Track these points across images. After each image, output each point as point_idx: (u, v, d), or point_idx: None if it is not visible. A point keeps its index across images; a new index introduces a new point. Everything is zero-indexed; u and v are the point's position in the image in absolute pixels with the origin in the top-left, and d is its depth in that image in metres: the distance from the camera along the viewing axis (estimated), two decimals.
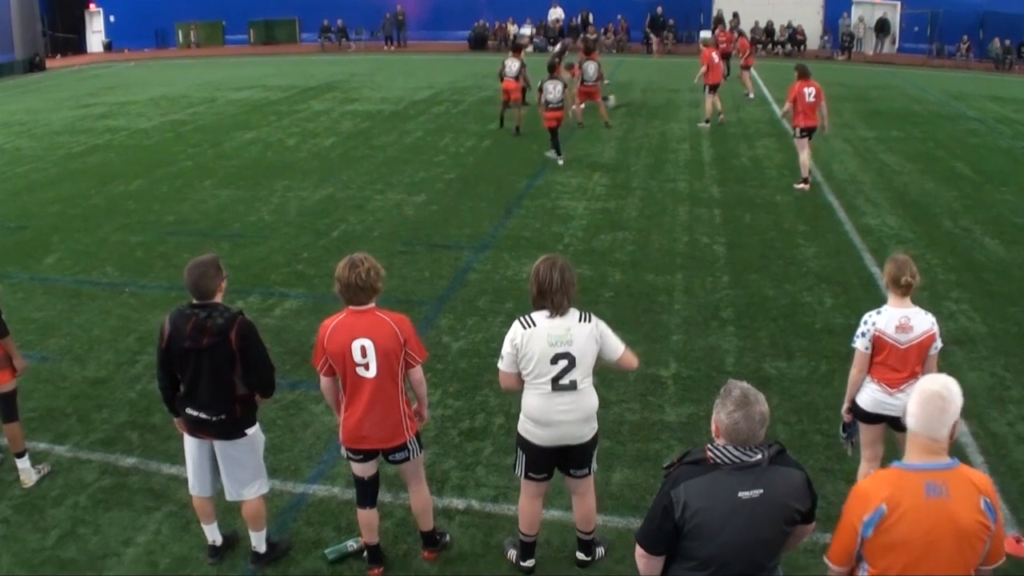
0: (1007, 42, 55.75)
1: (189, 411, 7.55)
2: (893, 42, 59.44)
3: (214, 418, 7.49)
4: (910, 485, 5.08)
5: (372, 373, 7.38)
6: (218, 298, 7.50)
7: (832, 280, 15.53)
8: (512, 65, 26.56)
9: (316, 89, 38.15)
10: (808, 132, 21.53)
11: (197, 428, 7.61)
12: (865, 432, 8.64)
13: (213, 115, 31.50)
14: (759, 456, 5.23)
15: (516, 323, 7.41)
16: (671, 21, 58.18)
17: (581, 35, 48.38)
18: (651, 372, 11.69)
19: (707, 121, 30.01)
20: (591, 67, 28.71)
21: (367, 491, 7.91)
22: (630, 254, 16.59)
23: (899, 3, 59.18)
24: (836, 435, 10.32)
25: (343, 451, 7.83)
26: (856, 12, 59.60)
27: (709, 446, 5.29)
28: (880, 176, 23.36)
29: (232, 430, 7.58)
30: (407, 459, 7.76)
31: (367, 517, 7.96)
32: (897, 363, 8.24)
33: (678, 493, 5.20)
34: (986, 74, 52.22)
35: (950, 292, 15.03)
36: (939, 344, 8.33)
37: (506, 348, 7.41)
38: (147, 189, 21.19)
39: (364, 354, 7.33)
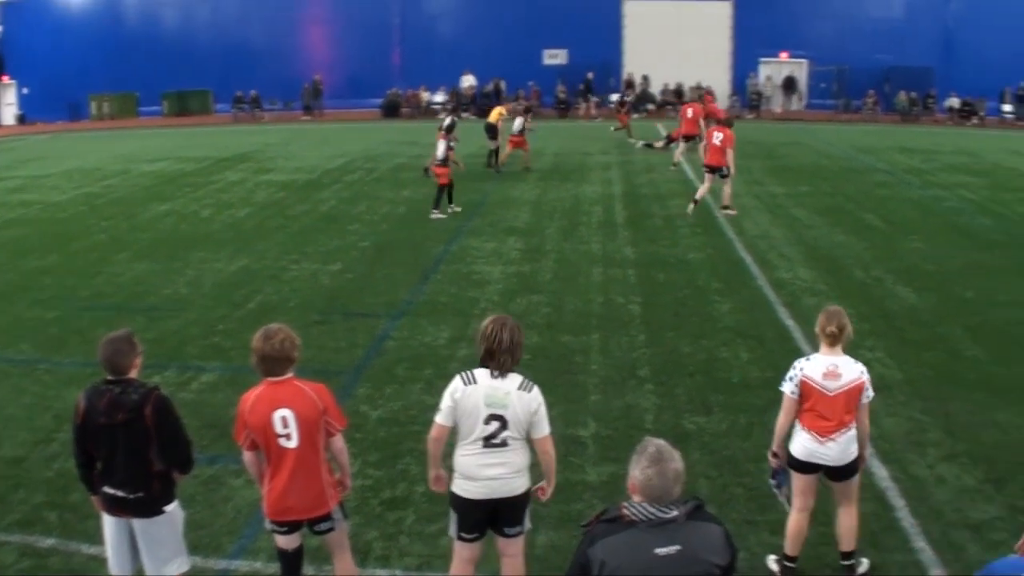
0: (912, 94, 57.23)
1: (106, 489, 7.46)
2: (801, 99, 60.69)
3: (132, 496, 7.40)
4: None
5: (294, 443, 7.37)
6: (133, 374, 7.43)
7: (748, 335, 15.74)
8: (440, 146, 26.44)
9: (230, 160, 37.99)
10: (710, 169, 25.79)
11: (115, 506, 7.51)
12: (797, 481, 8.72)
13: (127, 187, 31.26)
14: (675, 512, 5.23)
15: (457, 377, 7.48)
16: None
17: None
18: (570, 432, 11.74)
19: (674, 166, 34.64)
20: (517, 121, 34.06)
21: (291, 565, 7.88)
22: (546, 316, 16.70)
23: (806, 61, 60.48)
24: (758, 487, 10.49)
25: (267, 524, 7.80)
26: (764, 71, 60.81)
27: (625, 504, 5.31)
28: (791, 231, 23.76)
29: (150, 508, 7.49)
30: (332, 529, 7.75)
31: None
32: (825, 411, 8.35)
33: (595, 551, 5.22)
34: (893, 126, 53.48)
35: (864, 341, 15.25)
36: (870, 393, 8.48)
37: (446, 402, 7.46)
38: (62, 263, 20.95)
39: (285, 425, 7.33)
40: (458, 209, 26.15)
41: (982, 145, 44.49)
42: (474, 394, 7.38)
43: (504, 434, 7.45)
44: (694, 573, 5.24)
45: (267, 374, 7.44)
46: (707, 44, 59.81)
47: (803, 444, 8.50)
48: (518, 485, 7.62)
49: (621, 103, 47.13)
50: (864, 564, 8.85)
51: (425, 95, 59.54)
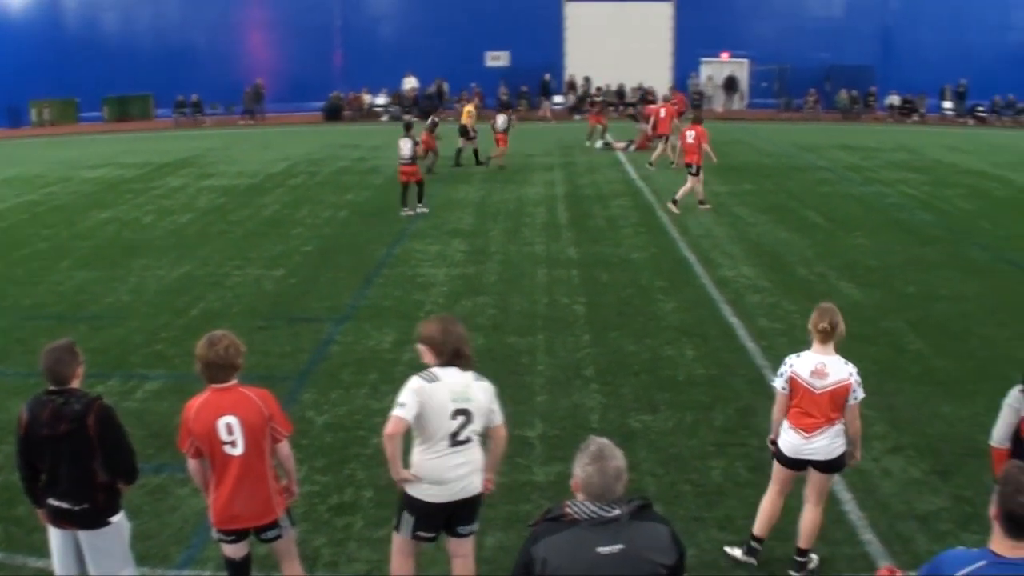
0: (853, 92, 57.72)
1: (51, 501, 7.39)
2: (742, 98, 60.95)
3: (76, 508, 7.34)
4: None
5: (239, 450, 7.33)
6: (75, 383, 7.37)
7: (692, 333, 15.84)
8: (405, 145, 26.75)
9: (172, 165, 37.67)
10: (688, 167, 26.65)
11: (60, 519, 7.45)
12: (777, 470, 8.87)
13: (68, 195, 30.91)
14: (617, 511, 5.20)
15: (416, 378, 7.44)
16: (524, 88, 58.87)
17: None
18: (517, 433, 11.72)
19: (651, 164, 35.22)
20: (501, 118, 36.44)
21: (239, 574, 7.85)
22: (491, 318, 16.72)
23: (747, 60, 60.78)
24: (705, 484, 10.67)
25: (214, 533, 7.75)
26: (705, 71, 61.11)
27: (569, 502, 5.28)
28: (734, 229, 23.93)
29: (96, 519, 7.42)
30: (279, 536, 7.72)
31: None
32: (811, 408, 8.47)
33: (538, 550, 5.20)
34: (835, 124, 53.94)
35: (808, 336, 15.37)
36: (859, 395, 8.57)
37: (409, 398, 7.35)
38: (2, 272, 20.65)
39: (230, 431, 7.29)
40: (425, 210, 26.51)
41: (922, 142, 44.99)
42: (440, 391, 7.37)
43: (469, 429, 7.47)
44: (638, 573, 5.22)
45: (211, 381, 7.40)
46: (649, 45, 59.94)
47: (790, 441, 8.63)
48: (477, 483, 7.67)
49: (591, 103, 47.67)
50: (814, 560, 8.94)
51: (367, 98, 59.32)
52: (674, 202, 26.08)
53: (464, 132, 35.92)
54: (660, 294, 18.08)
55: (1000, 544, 5.14)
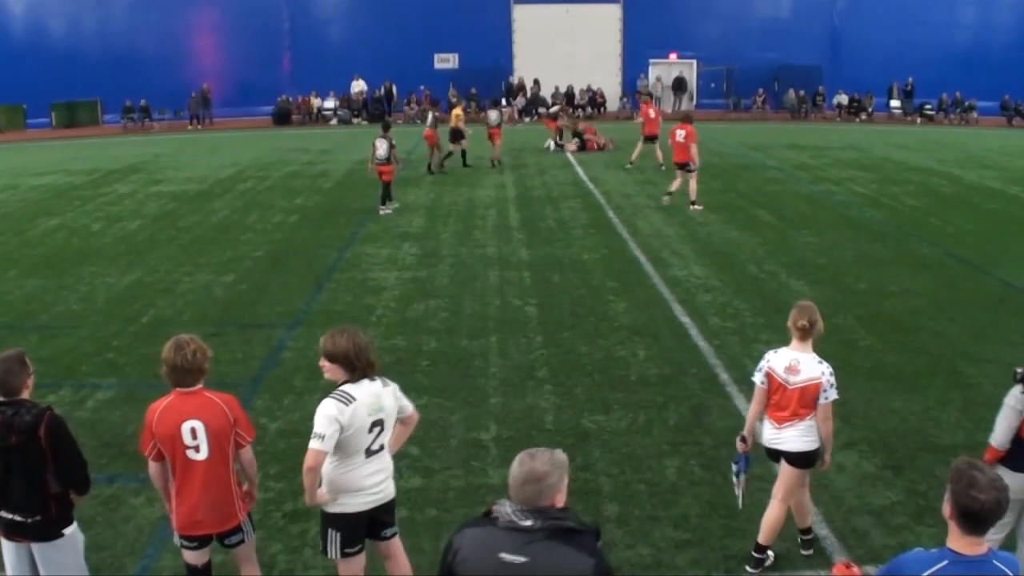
0: (801, 92, 58.16)
1: (3, 514, 7.32)
2: (691, 99, 61.15)
3: (29, 520, 7.28)
4: None
5: (203, 455, 7.34)
6: (25, 394, 7.30)
7: (644, 332, 15.91)
8: (382, 145, 27.18)
9: (120, 171, 37.29)
10: (679, 165, 27.19)
11: (12, 531, 7.39)
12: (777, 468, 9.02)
13: (15, 202, 30.55)
14: (530, 522, 5.01)
15: (332, 402, 7.29)
16: (473, 91, 58.84)
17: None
18: (472, 436, 11.79)
19: (631, 163, 35.47)
20: (493, 114, 38.01)
21: None
22: (444, 321, 16.70)
23: (695, 61, 61.08)
24: (659, 483, 10.69)
25: (176, 539, 7.73)
26: (653, 72, 61.25)
27: (500, 500, 5.18)
28: (684, 228, 24.05)
29: (49, 531, 7.37)
30: (242, 541, 7.73)
31: None
32: (782, 401, 8.61)
33: (458, 538, 5.19)
34: (783, 124, 54.35)
35: (760, 335, 15.53)
36: (830, 395, 8.61)
37: (328, 428, 7.21)
38: None
39: (195, 436, 7.30)
40: (396, 205, 27.45)
41: (871, 140, 45.41)
42: (359, 410, 7.30)
43: (381, 438, 7.48)
44: None
45: (177, 385, 7.40)
46: (597, 46, 60.20)
47: (765, 431, 8.82)
48: (392, 488, 7.74)
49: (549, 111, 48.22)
50: (770, 557, 9.00)
51: (316, 101, 59.13)
52: (692, 203, 26.55)
53: (456, 136, 35.76)
54: (612, 294, 18.14)
55: (958, 542, 5.19)
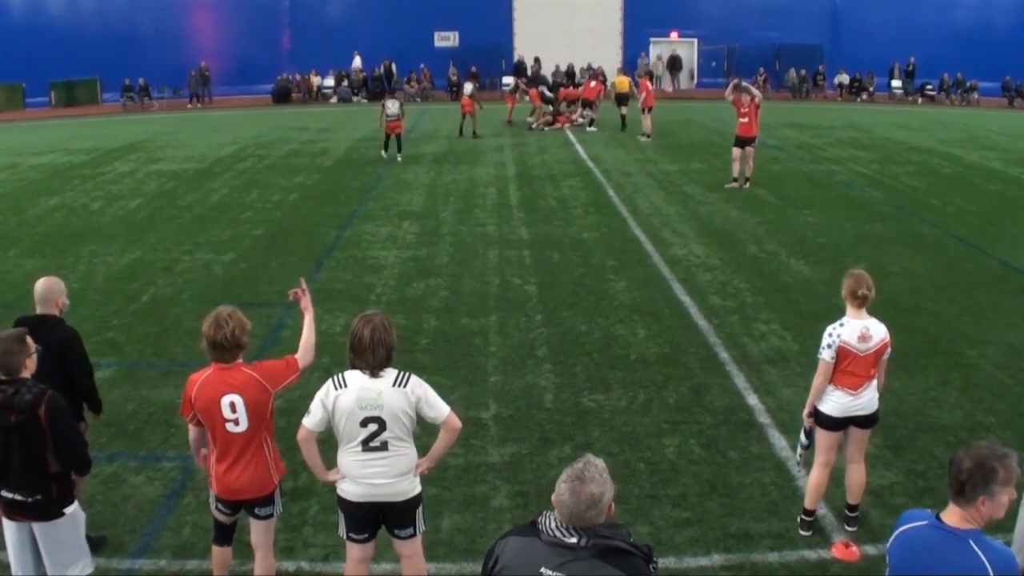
0: (802, 72, 58.15)
1: (3, 493, 7.33)
2: (692, 78, 61.09)
3: (30, 499, 7.29)
4: None
5: (242, 428, 7.47)
6: (26, 374, 7.31)
7: (644, 311, 15.92)
8: (393, 104, 31.60)
9: (120, 150, 37.22)
10: (741, 141, 26.59)
11: (13, 511, 7.40)
12: (824, 438, 9.12)
13: (15, 182, 30.47)
14: (575, 540, 4.86)
15: (328, 382, 7.37)
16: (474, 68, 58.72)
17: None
18: (472, 415, 11.75)
19: (648, 136, 37.00)
20: (468, 86, 39.78)
21: (226, 532, 8.03)
22: (444, 300, 16.71)
23: (696, 40, 60.95)
24: (659, 462, 10.68)
25: (212, 500, 7.88)
26: (654, 51, 61.19)
27: (545, 512, 5.03)
28: (684, 207, 24.02)
29: (50, 510, 7.38)
30: (271, 515, 7.88)
31: (222, 555, 8.08)
32: (858, 368, 8.84)
33: (501, 545, 5.09)
34: (784, 103, 54.19)
35: (759, 314, 15.55)
36: (890, 351, 9.01)
37: (315, 405, 7.37)
38: None
39: (234, 409, 7.42)
40: (400, 160, 31.56)
41: (871, 120, 45.39)
42: (346, 399, 7.25)
43: (383, 436, 7.32)
44: None
45: (216, 360, 7.51)
46: (598, 24, 60.08)
47: (837, 401, 8.95)
48: (402, 490, 7.50)
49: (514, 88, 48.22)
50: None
51: (316, 80, 59.03)
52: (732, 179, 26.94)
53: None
54: (611, 273, 18.13)
55: (948, 513, 5.24)
